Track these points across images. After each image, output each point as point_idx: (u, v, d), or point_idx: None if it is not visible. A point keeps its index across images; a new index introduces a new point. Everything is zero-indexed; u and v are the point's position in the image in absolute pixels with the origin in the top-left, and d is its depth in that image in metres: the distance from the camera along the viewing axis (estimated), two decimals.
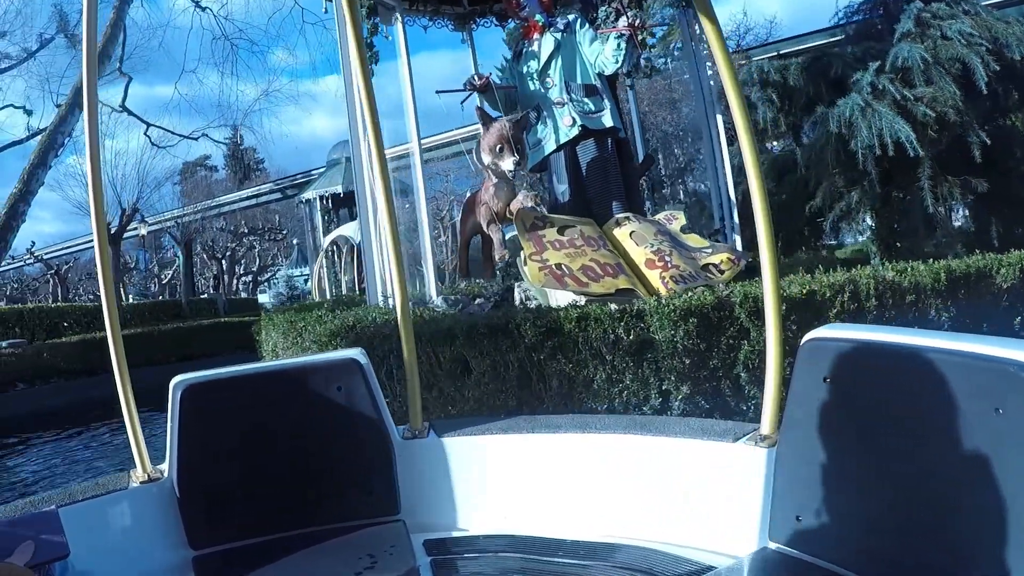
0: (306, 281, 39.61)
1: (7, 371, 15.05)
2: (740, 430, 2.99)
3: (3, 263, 16.79)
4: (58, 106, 30.62)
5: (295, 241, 50.65)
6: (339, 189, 32.72)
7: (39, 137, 18.08)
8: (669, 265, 6.92)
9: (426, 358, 5.60)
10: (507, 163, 7.46)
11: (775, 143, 13.87)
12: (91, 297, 44.62)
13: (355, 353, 3.38)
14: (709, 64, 9.71)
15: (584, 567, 2.94)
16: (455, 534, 3.34)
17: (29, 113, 31.68)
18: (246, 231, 45.35)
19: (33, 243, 41.51)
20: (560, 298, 6.93)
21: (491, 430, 3.53)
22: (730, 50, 3.10)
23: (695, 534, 2.99)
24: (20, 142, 31.49)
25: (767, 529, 2.62)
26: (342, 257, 31.65)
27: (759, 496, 2.71)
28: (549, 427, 3.46)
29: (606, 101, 8.38)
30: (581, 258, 7.02)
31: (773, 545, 2.58)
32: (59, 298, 37.93)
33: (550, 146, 8.29)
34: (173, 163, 44.19)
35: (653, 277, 6.86)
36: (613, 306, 5.67)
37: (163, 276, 55.21)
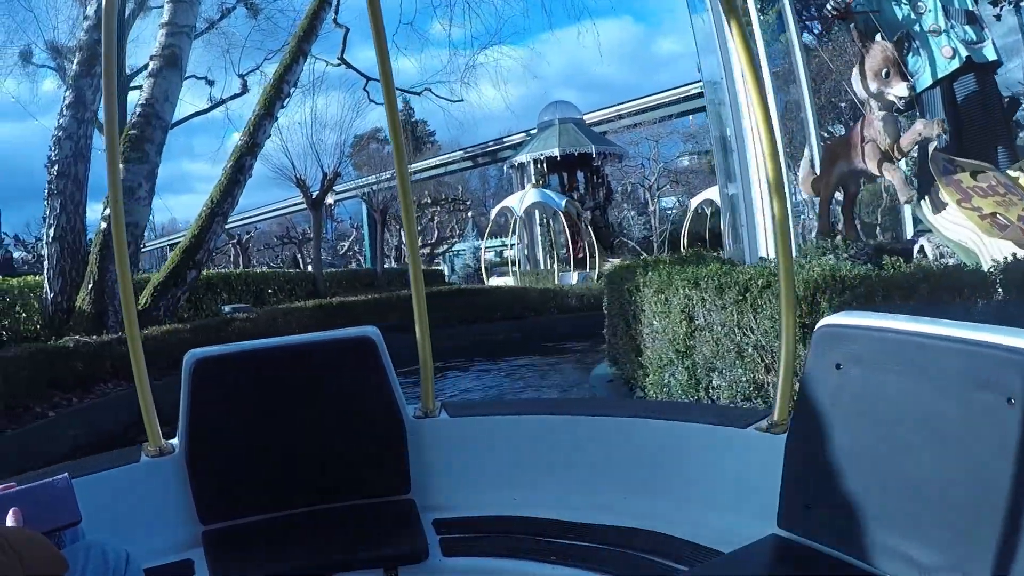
0: (499, 253, 38.78)
1: (241, 337, 13.95)
2: (752, 416, 3.07)
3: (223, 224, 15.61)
4: (240, 79, 30.91)
5: (470, 214, 50.03)
6: (555, 152, 31.39)
7: (264, 86, 16.95)
8: None
9: None
10: (899, 88, 6.93)
11: None
12: (268, 265, 44.90)
13: (369, 331, 3.38)
14: None
15: (593, 550, 2.96)
16: (465, 514, 3.32)
17: (211, 84, 32.10)
18: (429, 201, 44.53)
19: None
20: (994, 253, 6.18)
21: (503, 411, 3.71)
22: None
23: (704, 519, 3.00)
24: (204, 112, 31.71)
25: (776, 516, 2.58)
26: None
27: (769, 482, 2.64)
28: (561, 409, 3.68)
29: (986, 30, 7.60)
30: (1014, 207, 6.38)
31: (782, 532, 2.55)
32: (239, 267, 38.05)
33: (925, 80, 7.59)
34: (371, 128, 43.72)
35: None
36: None
37: (339, 247, 55.43)
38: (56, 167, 13.66)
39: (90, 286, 13.25)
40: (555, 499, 3.30)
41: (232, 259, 45.60)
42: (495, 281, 28.51)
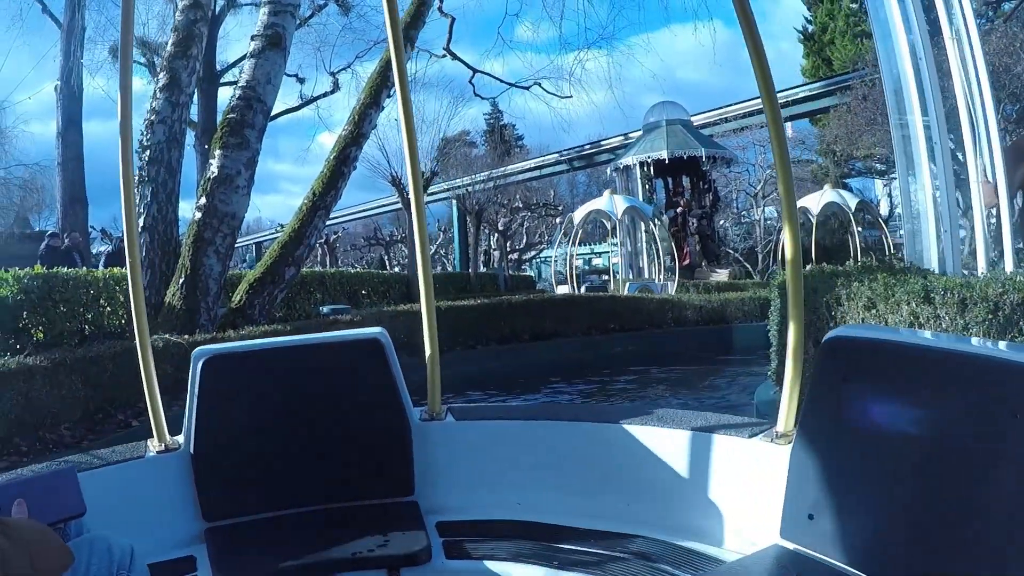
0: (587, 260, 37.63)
1: None
2: (757, 426, 3.03)
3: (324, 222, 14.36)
4: (331, 77, 30.37)
5: (558, 220, 48.93)
6: (663, 154, 30.01)
7: (370, 74, 15.87)
8: None
9: None
10: None
11: None
12: (353, 266, 44.26)
13: (376, 332, 3.40)
14: None
15: (595, 556, 2.94)
16: (468, 517, 3.30)
17: (302, 81, 32.50)
18: (520, 205, 43.40)
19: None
20: None
21: (509, 416, 3.65)
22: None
23: (707, 527, 3.03)
24: (294, 109, 32.09)
25: (779, 526, 2.59)
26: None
27: (772, 493, 2.67)
28: (566, 415, 3.59)
29: None
30: None
31: (784, 542, 2.56)
32: (326, 267, 37.64)
33: None
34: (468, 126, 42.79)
35: None
36: None
37: (427, 250, 54.64)
38: (148, 152, 12.71)
39: (181, 280, 12.23)
40: (558, 504, 3.31)
41: (319, 259, 45.11)
42: (562, 290, 27.58)
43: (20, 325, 11.59)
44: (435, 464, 3.45)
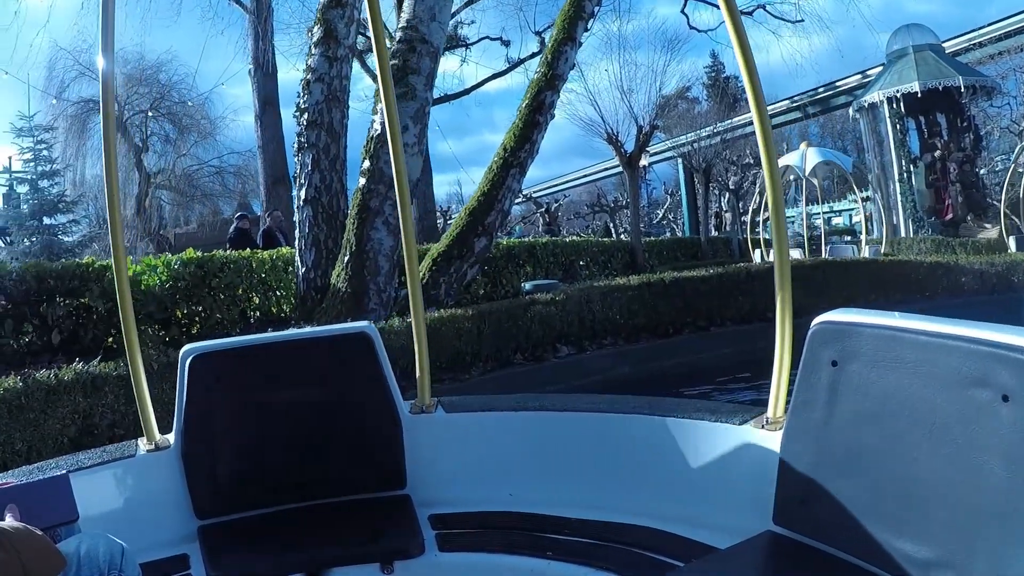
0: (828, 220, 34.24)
1: (544, 325, 10.43)
2: (747, 413, 3.02)
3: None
4: (537, 36, 28.60)
5: (792, 177, 45.37)
6: (914, 86, 26.01)
7: (563, 5, 13.53)
8: None
9: None
10: None
11: None
12: (578, 234, 42.24)
13: (365, 327, 3.40)
14: None
15: (588, 545, 2.97)
16: (461, 510, 3.32)
17: (507, 44, 31.42)
18: (751, 162, 39.96)
19: None
20: None
21: (499, 407, 3.62)
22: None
23: (699, 515, 3.01)
24: (501, 74, 31.53)
25: (771, 512, 2.59)
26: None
27: (764, 479, 2.66)
28: (557, 405, 3.57)
29: None
30: None
31: (777, 528, 2.57)
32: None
33: None
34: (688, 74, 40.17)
35: None
36: None
37: (654, 216, 52.10)
38: (305, 115, 11.16)
39: (346, 258, 10.48)
40: (551, 495, 3.29)
41: (541, 229, 43.51)
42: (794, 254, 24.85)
43: (178, 314, 10.47)
44: (427, 457, 3.41)
